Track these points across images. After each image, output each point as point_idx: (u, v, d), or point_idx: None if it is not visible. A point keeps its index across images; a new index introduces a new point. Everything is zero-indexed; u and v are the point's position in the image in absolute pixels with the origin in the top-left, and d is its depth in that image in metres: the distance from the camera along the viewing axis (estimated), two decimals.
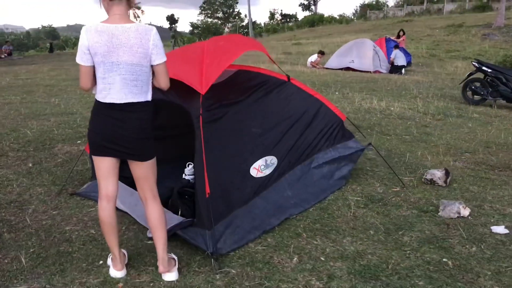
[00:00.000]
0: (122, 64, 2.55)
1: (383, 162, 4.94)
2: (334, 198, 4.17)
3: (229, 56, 3.71)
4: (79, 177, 4.58)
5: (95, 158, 2.75)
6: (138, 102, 2.64)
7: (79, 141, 5.93)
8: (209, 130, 3.31)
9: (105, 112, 2.62)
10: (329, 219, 3.75)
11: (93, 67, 2.58)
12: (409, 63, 16.96)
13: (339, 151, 4.40)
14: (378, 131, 6.90)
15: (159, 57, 2.64)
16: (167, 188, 3.81)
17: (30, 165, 4.97)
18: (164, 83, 2.74)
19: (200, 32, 75.11)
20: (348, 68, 16.03)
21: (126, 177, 3.25)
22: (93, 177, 4.20)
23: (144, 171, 2.78)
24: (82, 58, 2.55)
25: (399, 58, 15.95)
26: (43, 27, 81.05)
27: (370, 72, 15.25)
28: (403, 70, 15.83)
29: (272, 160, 3.72)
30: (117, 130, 2.62)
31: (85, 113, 7.58)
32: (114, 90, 2.58)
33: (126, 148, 2.67)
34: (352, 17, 62.03)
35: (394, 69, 15.85)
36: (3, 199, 4.05)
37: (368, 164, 5.17)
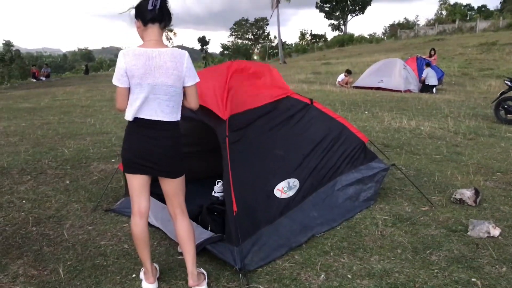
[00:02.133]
0: (158, 85, 2.69)
1: (412, 182, 4.94)
2: (362, 216, 4.19)
3: (255, 99, 3.86)
4: (113, 194, 4.75)
5: (128, 175, 2.89)
6: (170, 121, 2.77)
7: (113, 160, 6.15)
8: (235, 150, 3.42)
9: (138, 131, 2.77)
10: (356, 238, 3.78)
11: (129, 88, 2.74)
12: (440, 80, 16.76)
13: (362, 173, 4.43)
14: (407, 150, 6.87)
15: (191, 79, 2.79)
16: (197, 205, 3.93)
17: (67, 182, 5.18)
18: (194, 104, 2.88)
19: (231, 53, 76.25)
20: (378, 88, 15.99)
21: (157, 194, 3.38)
22: (127, 194, 4.36)
23: (174, 188, 2.91)
24: (119, 80, 2.71)
25: (431, 78, 15.80)
26: (79, 49, 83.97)
27: (400, 91, 15.17)
28: (434, 89, 15.68)
29: (294, 182, 3.79)
30: (149, 148, 2.76)
31: (119, 133, 7.84)
32: (148, 109, 2.73)
33: (157, 165, 2.80)
34: (383, 36, 61.82)
35: (425, 88, 15.71)
36: (43, 214, 4.24)
37: (397, 184, 5.17)
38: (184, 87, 2.81)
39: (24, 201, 4.57)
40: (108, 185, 4.82)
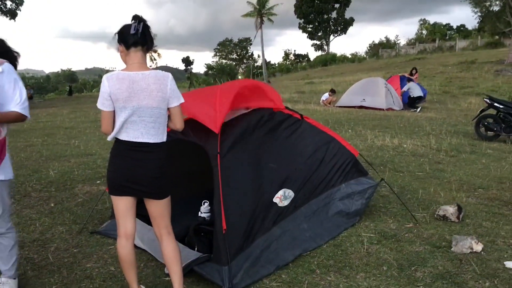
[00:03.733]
0: (142, 108, 2.73)
1: (396, 199, 5.01)
2: (348, 234, 4.24)
3: (243, 100, 3.92)
4: (99, 216, 4.73)
5: (113, 197, 2.89)
6: (155, 143, 2.80)
7: (98, 181, 6.11)
8: (227, 167, 3.46)
9: (124, 153, 2.79)
10: (342, 256, 3.81)
11: (113, 112, 2.77)
12: (423, 98, 17.05)
13: (352, 187, 4.50)
14: (391, 168, 6.97)
15: (175, 100, 2.84)
16: (183, 226, 3.93)
17: (52, 205, 5.14)
18: (179, 124, 2.92)
19: (215, 73, 76.64)
20: (361, 106, 16.21)
21: (143, 215, 3.39)
22: (112, 216, 4.34)
23: (160, 209, 2.92)
24: (103, 104, 2.74)
25: (414, 89, 16.10)
26: (63, 70, 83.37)
27: (383, 109, 15.41)
28: (419, 108, 15.90)
29: (289, 193, 3.85)
30: (135, 170, 2.78)
31: (104, 154, 7.82)
32: (133, 131, 2.76)
33: (143, 187, 2.81)
34: (365, 55, 62.85)
35: (411, 102, 15.97)
36: (27, 238, 4.19)
37: (381, 201, 5.24)
38: (168, 109, 2.85)
39: None
40: (94, 207, 4.79)
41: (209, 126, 3.56)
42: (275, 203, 3.71)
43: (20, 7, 32.08)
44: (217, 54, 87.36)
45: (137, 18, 2.79)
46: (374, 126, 11.54)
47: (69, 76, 76.08)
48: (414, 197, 5.44)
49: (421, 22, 71.52)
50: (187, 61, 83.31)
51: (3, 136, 2.84)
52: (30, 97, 29.11)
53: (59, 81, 70.54)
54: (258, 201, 3.59)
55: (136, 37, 2.76)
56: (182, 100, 2.89)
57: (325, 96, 17.84)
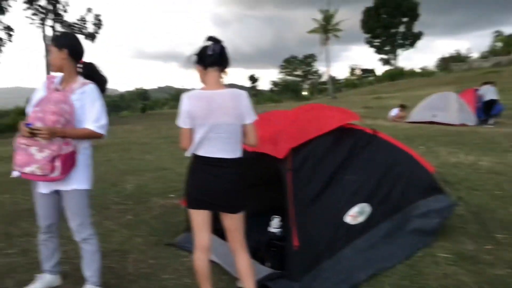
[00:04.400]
0: (219, 125, 2.85)
1: (473, 218, 4.79)
2: (423, 254, 4.10)
3: (319, 127, 3.94)
4: (174, 228, 4.90)
5: (191, 211, 3.01)
6: (231, 158, 2.90)
7: (172, 195, 6.35)
8: (298, 183, 3.49)
9: (201, 168, 2.91)
10: (417, 276, 3.69)
11: (192, 129, 2.90)
12: (499, 113, 16.16)
13: (429, 205, 4.35)
14: (466, 186, 6.67)
15: (250, 117, 2.95)
16: (254, 241, 3.98)
17: (130, 217, 5.41)
18: (253, 140, 3.01)
19: (280, 89, 77.19)
20: (431, 122, 15.66)
21: (217, 229, 3.48)
22: (187, 229, 4.49)
23: (235, 223, 3.01)
24: (183, 122, 2.90)
25: (487, 93, 15.41)
26: (136, 89, 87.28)
27: (455, 125, 14.79)
28: (492, 120, 15.12)
29: (365, 207, 3.79)
30: (211, 184, 2.89)
31: (176, 169, 8.12)
32: (211, 147, 2.88)
33: (219, 201, 2.91)
34: (435, 69, 60.79)
35: (486, 106, 15.33)
36: (107, 248, 4.43)
37: (458, 220, 5.02)
38: (243, 125, 2.95)
39: None
40: (169, 220, 4.98)
41: (273, 154, 3.62)
42: (348, 222, 3.67)
43: (99, 30, 34.28)
44: (282, 71, 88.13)
45: (213, 39, 2.93)
46: (447, 143, 11.09)
47: (142, 94, 79.73)
48: (493, 217, 5.16)
49: (495, 33, 68.23)
50: (252, 79, 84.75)
51: (72, 149, 3.04)
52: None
53: (133, 99, 74.04)
54: (330, 219, 3.58)
55: (213, 58, 2.89)
56: (256, 117, 2.98)
57: (395, 111, 17.41)
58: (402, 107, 17.32)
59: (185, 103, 2.89)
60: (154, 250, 4.38)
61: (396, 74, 53.75)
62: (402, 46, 67.97)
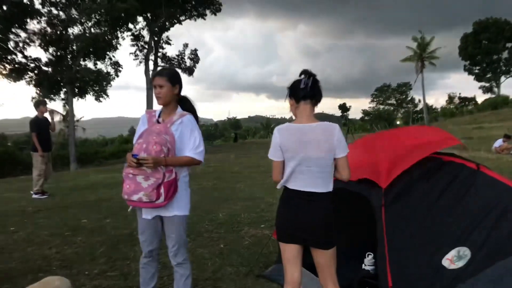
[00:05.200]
0: (310, 158, 2.84)
1: None
2: None
3: (420, 153, 3.76)
4: (264, 259, 4.91)
5: (281, 244, 3.00)
6: (321, 192, 2.86)
7: (262, 225, 6.40)
8: (392, 220, 3.34)
9: (291, 201, 2.90)
10: None
11: (283, 161, 2.92)
12: None
13: None
14: None
15: (342, 151, 2.86)
16: (346, 278, 3.86)
17: (222, 245, 5.53)
18: (345, 175, 2.92)
19: (372, 118, 75.55)
20: None
21: (308, 263, 3.42)
22: (277, 260, 4.48)
23: (325, 259, 2.93)
24: (274, 154, 2.93)
25: None
26: (228, 119, 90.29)
27: None
28: None
29: (465, 251, 3.51)
30: (300, 218, 2.86)
31: (267, 199, 8.19)
32: (301, 180, 2.87)
33: (308, 235, 2.87)
34: None
35: None
36: (200, 276, 4.55)
37: None
38: (335, 159, 2.89)
39: None
40: (260, 251, 5.00)
41: (375, 180, 3.51)
42: (444, 266, 3.41)
43: (196, 64, 36.23)
44: (374, 99, 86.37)
45: (306, 73, 2.95)
46: None
47: (234, 124, 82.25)
48: None
49: None
50: (343, 108, 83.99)
51: (174, 177, 3.18)
52: None
53: (225, 128, 76.60)
54: (426, 261, 3.36)
55: (305, 91, 2.91)
56: (348, 151, 2.90)
57: (499, 142, 16.24)
58: (507, 137, 16.10)
59: (276, 136, 2.92)
60: (244, 281, 4.41)
61: (499, 103, 50.28)
62: (506, 72, 63.75)
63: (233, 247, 5.44)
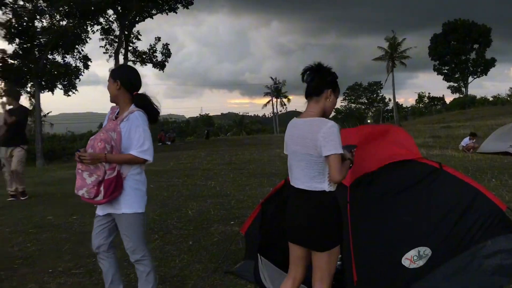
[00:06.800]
0: (296, 153, 2.83)
1: None
2: None
3: (378, 159, 3.82)
4: (233, 256, 4.89)
5: (289, 242, 2.96)
6: (311, 191, 2.74)
7: (232, 222, 6.38)
8: (356, 217, 3.38)
9: (289, 198, 2.91)
10: None
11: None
12: None
13: (499, 244, 4.04)
14: None
15: (327, 149, 2.65)
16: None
17: (190, 242, 5.48)
18: (332, 176, 2.69)
19: (344, 117, 76.46)
20: (506, 153, 14.78)
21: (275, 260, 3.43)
22: (246, 257, 4.48)
23: (316, 261, 2.81)
24: (284, 148, 2.98)
25: None
26: (201, 115, 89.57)
27: None
28: None
29: (426, 251, 3.58)
30: (293, 216, 2.83)
31: (238, 196, 8.18)
32: (295, 176, 2.86)
33: (301, 235, 2.81)
34: (508, 98, 57.81)
35: None
36: (168, 273, 4.50)
37: None
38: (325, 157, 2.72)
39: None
40: (228, 247, 4.98)
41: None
42: (404, 265, 3.47)
43: (168, 59, 35.77)
44: (346, 98, 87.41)
45: (305, 71, 2.93)
46: None
47: (206, 121, 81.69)
48: None
49: None
50: None
51: (115, 174, 3.13)
52: (172, 140, 31.87)
53: (197, 125, 75.96)
54: (387, 258, 3.42)
55: (306, 89, 2.89)
56: (337, 151, 2.65)
57: (465, 141, 16.67)
58: (473, 135, 16.54)
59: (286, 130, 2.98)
60: (213, 277, 4.38)
61: (467, 102, 51.65)
62: (474, 73, 65.49)
63: (202, 244, 5.40)
